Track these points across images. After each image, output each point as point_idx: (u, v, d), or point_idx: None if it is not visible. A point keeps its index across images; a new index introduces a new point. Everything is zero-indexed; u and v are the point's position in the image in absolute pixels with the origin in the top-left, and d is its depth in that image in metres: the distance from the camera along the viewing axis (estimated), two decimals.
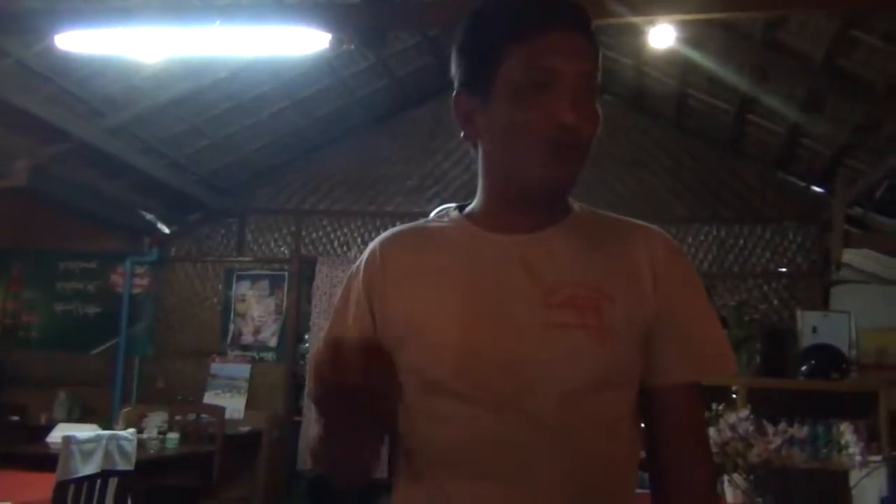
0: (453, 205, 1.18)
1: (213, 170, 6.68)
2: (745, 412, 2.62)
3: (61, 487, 3.57)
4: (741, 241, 6.42)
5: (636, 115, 6.58)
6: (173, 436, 5.23)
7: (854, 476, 2.68)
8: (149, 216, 6.79)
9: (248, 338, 6.76)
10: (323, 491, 5.78)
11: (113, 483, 3.96)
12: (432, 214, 1.32)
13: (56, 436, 4.34)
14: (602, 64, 1.07)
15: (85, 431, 4.11)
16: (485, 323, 1.02)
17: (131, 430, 4.48)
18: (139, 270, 6.91)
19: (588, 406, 1.01)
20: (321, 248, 6.90)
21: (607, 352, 1.01)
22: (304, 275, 6.70)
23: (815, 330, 5.34)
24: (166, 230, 7.00)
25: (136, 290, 6.87)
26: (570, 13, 1.05)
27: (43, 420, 5.95)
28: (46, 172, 5.39)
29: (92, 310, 6.88)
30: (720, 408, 2.69)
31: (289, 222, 7.02)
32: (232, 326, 6.80)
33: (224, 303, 6.86)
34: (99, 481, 3.87)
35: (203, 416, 5.76)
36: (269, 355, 6.65)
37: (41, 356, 6.75)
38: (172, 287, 6.99)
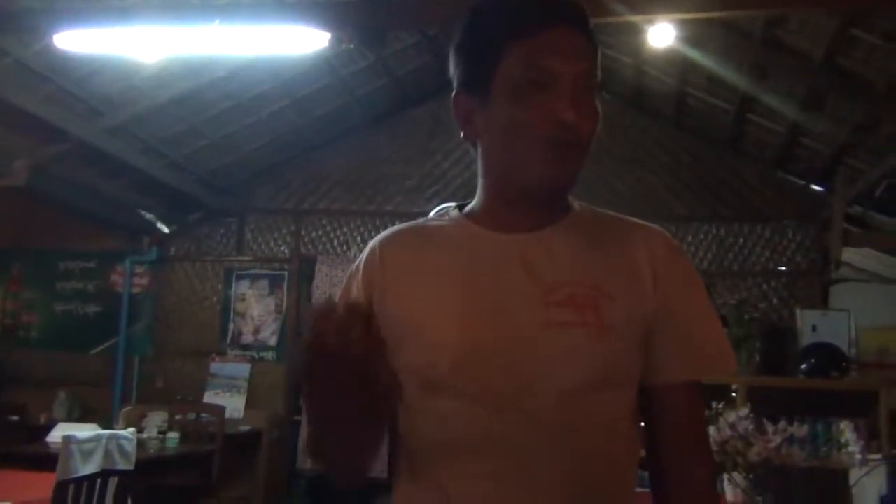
0: (453, 204, 1.18)
1: (213, 169, 6.68)
2: (744, 411, 2.62)
3: (61, 487, 3.57)
4: (741, 240, 6.42)
5: (635, 113, 6.58)
6: (173, 435, 5.23)
7: (854, 474, 2.69)
8: (148, 216, 6.79)
9: (247, 337, 6.76)
10: (323, 490, 5.78)
11: (113, 483, 3.96)
12: (432, 213, 1.32)
13: (56, 435, 4.35)
14: (601, 62, 1.07)
15: (85, 431, 4.11)
16: (484, 322, 1.02)
17: (131, 429, 4.48)
18: (139, 270, 6.91)
19: (588, 405, 1.01)
20: (321, 248, 6.90)
21: (606, 350, 1.01)
22: (303, 274, 6.70)
23: (814, 328, 5.35)
24: (166, 230, 7.00)
25: (135, 290, 6.87)
26: (568, 11, 1.04)
27: (43, 420, 5.96)
28: (46, 172, 5.39)
29: (91, 309, 6.88)
30: (720, 406, 2.69)
31: (288, 222, 7.02)
32: (232, 326, 6.80)
33: (224, 302, 6.86)
34: (99, 481, 3.86)
35: (203, 415, 5.76)
36: (268, 355, 6.65)
37: (41, 356, 6.75)
38: (172, 287, 6.99)
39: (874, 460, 3.07)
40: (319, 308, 0.85)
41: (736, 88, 5.34)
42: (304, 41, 4.19)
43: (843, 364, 4.82)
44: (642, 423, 1.10)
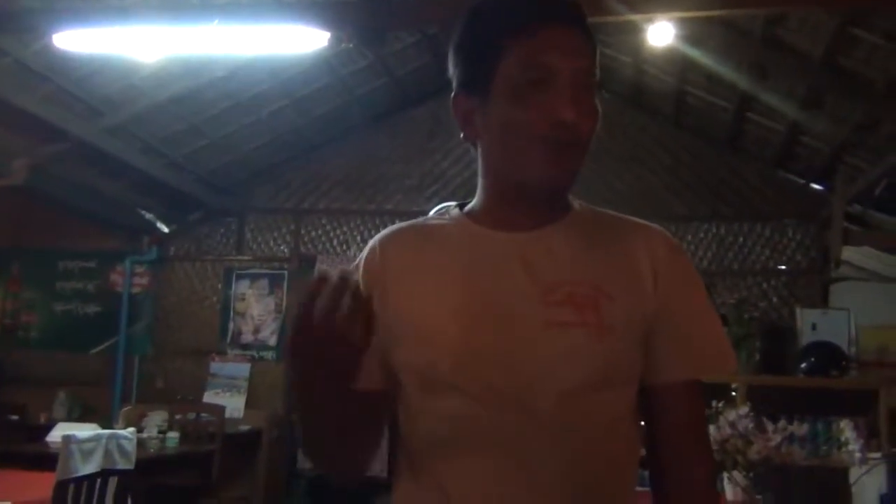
0: (453, 203, 1.18)
1: (212, 169, 6.68)
2: (744, 410, 2.62)
3: (61, 487, 3.57)
4: (740, 239, 6.42)
5: (635, 112, 6.58)
6: (173, 435, 5.23)
7: (854, 473, 2.69)
8: (148, 215, 6.79)
9: (247, 337, 6.76)
10: (323, 490, 5.78)
11: (113, 482, 3.96)
12: (432, 213, 1.32)
13: (56, 435, 4.34)
14: (601, 61, 1.07)
15: (85, 431, 4.11)
16: (484, 321, 1.02)
17: (131, 429, 4.48)
18: (138, 270, 6.91)
19: (588, 404, 1.01)
20: (320, 247, 6.90)
21: (606, 350, 1.01)
22: (303, 273, 6.70)
23: (814, 327, 5.35)
24: (165, 229, 7.00)
25: (135, 290, 6.87)
26: (567, 10, 1.04)
27: (43, 419, 5.95)
28: (45, 172, 5.39)
29: (91, 309, 6.88)
30: (720, 405, 2.69)
31: (288, 221, 7.02)
32: (231, 325, 6.80)
33: (223, 302, 6.86)
34: (99, 480, 3.86)
35: (203, 415, 5.76)
36: (268, 354, 6.65)
37: (41, 356, 6.75)
38: (172, 286, 6.99)
39: (874, 459, 3.07)
40: (317, 274, 0.87)
41: (735, 87, 5.34)
42: (303, 41, 4.19)
43: (843, 363, 4.82)
44: (642, 423, 1.10)
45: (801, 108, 5.09)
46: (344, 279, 0.86)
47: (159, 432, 5.21)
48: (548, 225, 1.08)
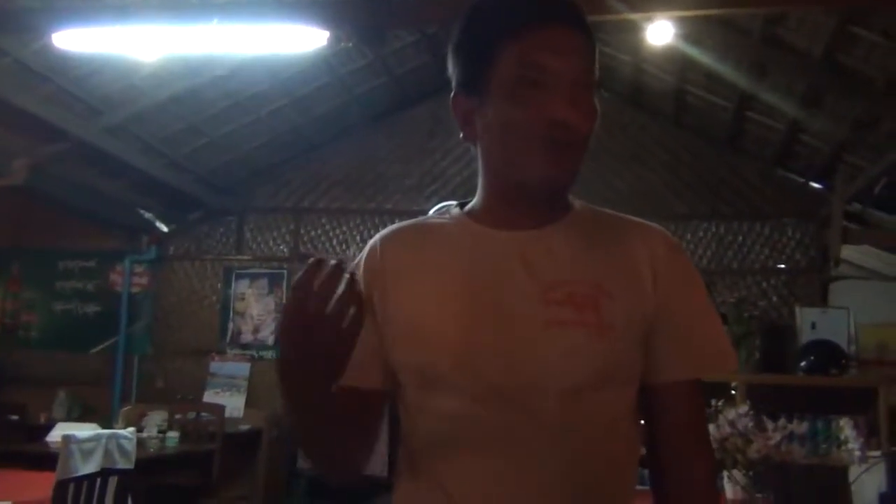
0: (454, 202, 1.18)
1: (212, 168, 6.68)
2: (744, 408, 2.62)
3: (61, 486, 3.57)
4: (740, 238, 6.42)
5: (634, 111, 6.58)
6: (173, 434, 5.23)
7: (853, 471, 2.69)
8: (147, 215, 6.79)
9: (247, 336, 6.76)
10: (323, 490, 5.78)
11: (113, 482, 3.96)
12: (431, 212, 1.32)
13: (56, 435, 4.35)
14: (600, 60, 1.07)
15: (85, 430, 4.11)
16: (485, 320, 1.02)
17: (131, 428, 4.49)
18: (138, 269, 6.91)
19: (588, 404, 1.01)
20: (320, 247, 6.90)
21: (606, 349, 1.01)
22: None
23: (814, 326, 5.34)
24: (165, 229, 7.00)
25: (135, 289, 6.87)
26: (564, 10, 1.04)
27: (42, 419, 5.96)
28: (45, 171, 5.39)
29: (91, 309, 6.88)
30: (720, 404, 2.69)
31: (287, 221, 7.02)
32: (231, 325, 6.81)
33: (223, 301, 6.86)
34: (99, 480, 3.86)
35: (203, 414, 5.76)
36: (268, 354, 6.65)
37: (40, 355, 6.75)
38: (171, 286, 6.99)
39: (874, 457, 3.07)
40: (310, 262, 0.87)
41: (735, 86, 5.34)
42: (302, 40, 4.19)
43: (843, 361, 4.82)
44: (642, 422, 1.10)
45: (801, 106, 5.09)
46: (339, 267, 0.87)
47: (159, 432, 5.22)
48: (548, 224, 1.08)
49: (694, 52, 5.01)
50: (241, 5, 4.37)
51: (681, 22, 4.38)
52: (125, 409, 5.76)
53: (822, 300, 6.00)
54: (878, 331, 5.29)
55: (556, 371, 0.99)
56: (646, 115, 6.60)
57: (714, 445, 2.43)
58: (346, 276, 0.87)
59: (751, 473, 2.54)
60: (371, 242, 1.14)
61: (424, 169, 6.81)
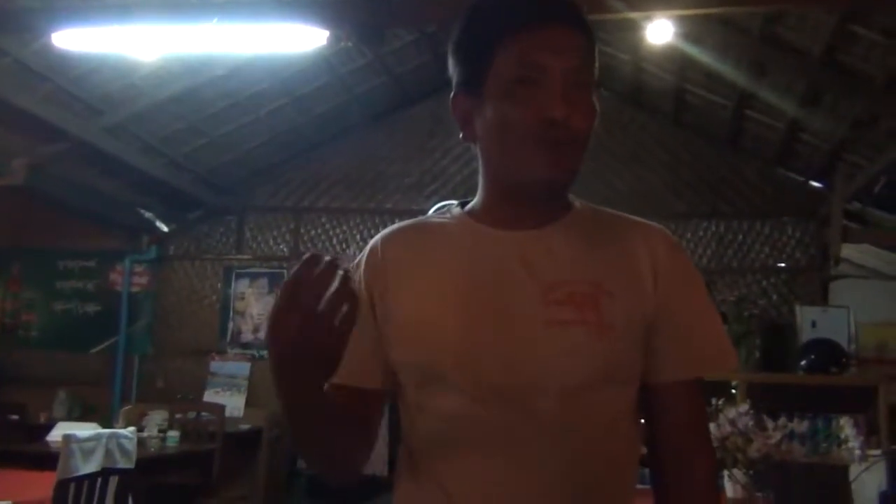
0: (455, 202, 1.18)
1: (212, 168, 6.68)
2: (744, 407, 2.62)
3: (62, 486, 3.57)
4: (740, 237, 6.42)
5: (634, 110, 6.58)
6: (173, 434, 5.22)
7: (854, 470, 2.69)
8: (147, 214, 6.79)
9: (247, 336, 6.76)
10: (323, 489, 5.78)
11: (113, 481, 3.96)
12: (431, 211, 1.32)
13: (56, 434, 4.34)
14: (599, 60, 1.07)
15: (85, 430, 4.11)
16: (485, 320, 1.02)
17: (131, 428, 4.48)
18: (138, 269, 6.91)
19: (588, 403, 1.01)
20: (320, 246, 6.90)
21: (606, 348, 1.01)
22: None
23: (814, 325, 5.34)
24: (165, 228, 7.00)
25: (135, 289, 6.87)
26: (563, 9, 1.04)
27: (43, 419, 5.96)
28: (44, 171, 5.39)
29: (91, 308, 6.88)
30: (720, 403, 2.69)
31: (287, 220, 7.02)
32: (231, 324, 6.81)
33: (223, 301, 6.86)
34: (99, 480, 3.86)
35: (203, 414, 5.76)
36: (267, 353, 6.64)
37: (41, 355, 6.75)
38: (171, 285, 6.99)
39: (874, 456, 3.07)
40: (305, 257, 0.87)
41: (735, 85, 5.34)
42: (302, 39, 4.19)
43: (843, 360, 4.81)
44: (643, 421, 1.10)
45: (801, 105, 5.09)
46: (332, 263, 0.86)
47: (160, 431, 5.21)
48: (548, 224, 1.08)
49: (694, 51, 5.01)
50: (241, 5, 4.36)
51: (680, 21, 4.38)
52: (125, 408, 5.75)
53: (822, 299, 6.00)
54: (878, 329, 5.29)
55: (556, 371, 0.99)
56: (645, 114, 6.60)
57: (714, 444, 2.43)
58: (340, 272, 0.86)
59: (751, 472, 2.54)
60: (372, 242, 1.14)
61: (424, 168, 6.81)
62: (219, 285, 6.91)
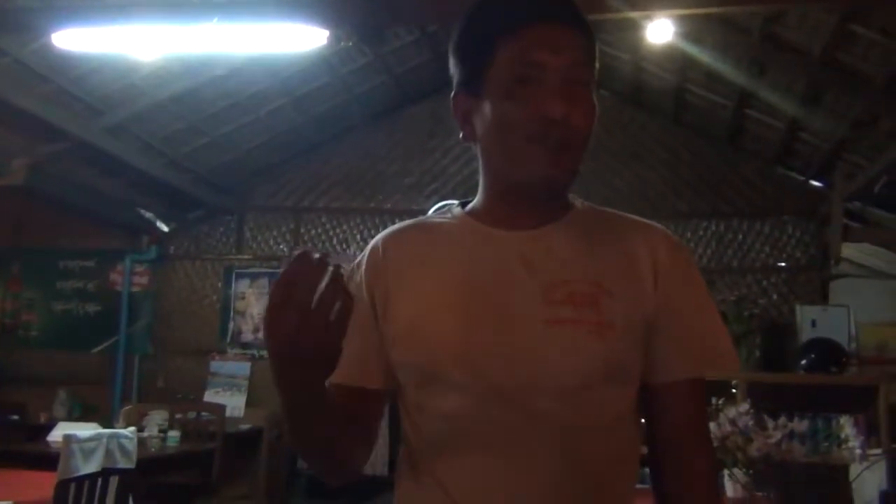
0: (455, 201, 1.18)
1: (212, 167, 6.68)
2: (744, 406, 2.62)
3: (62, 486, 3.57)
4: (740, 237, 6.43)
5: (634, 110, 6.58)
6: (174, 434, 5.22)
7: (854, 469, 2.69)
8: (147, 214, 6.79)
9: (247, 336, 6.76)
10: (323, 489, 5.78)
11: (114, 481, 3.96)
12: (431, 211, 1.32)
13: (57, 434, 4.34)
14: (599, 59, 1.07)
15: (86, 430, 4.11)
16: (485, 320, 1.02)
17: (132, 428, 4.48)
18: (138, 269, 6.91)
19: (588, 403, 1.01)
20: (320, 246, 6.90)
21: (607, 348, 1.00)
22: None
23: (814, 324, 5.35)
24: (165, 228, 7.00)
25: (135, 289, 6.87)
26: (563, 8, 1.04)
27: (43, 419, 5.95)
28: (44, 171, 5.39)
29: (91, 308, 6.88)
30: (720, 402, 2.69)
31: (287, 220, 7.02)
32: (231, 324, 6.81)
33: (223, 301, 6.86)
34: (100, 480, 3.86)
35: (203, 414, 5.76)
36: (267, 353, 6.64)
37: (41, 355, 6.75)
38: (172, 285, 6.99)
39: (874, 455, 3.07)
40: (295, 255, 0.86)
41: (735, 84, 5.34)
42: (302, 39, 4.18)
43: (843, 359, 4.81)
44: (643, 420, 1.10)
45: (801, 104, 5.09)
46: (323, 260, 0.86)
47: (160, 431, 5.21)
48: (548, 223, 1.08)
49: (694, 50, 5.01)
50: (240, 5, 4.36)
51: (680, 20, 4.38)
52: (126, 408, 5.75)
53: (822, 298, 6.01)
54: (878, 329, 5.29)
55: (556, 370, 0.99)
56: (646, 113, 6.60)
57: (715, 444, 2.43)
58: (331, 268, 0.86)
59: (751, 472, 2.54)
60: (373, 242, 1.14)
61: (424, 168, 6.81)
62: (219, 285, 6.91)
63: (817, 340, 5.04)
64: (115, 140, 5.64)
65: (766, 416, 2.63)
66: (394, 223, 1.18)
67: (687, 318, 1.08)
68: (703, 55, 5.06)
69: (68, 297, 6.91)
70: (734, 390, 4.31)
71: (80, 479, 3.70)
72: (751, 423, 2.52)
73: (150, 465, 4.64)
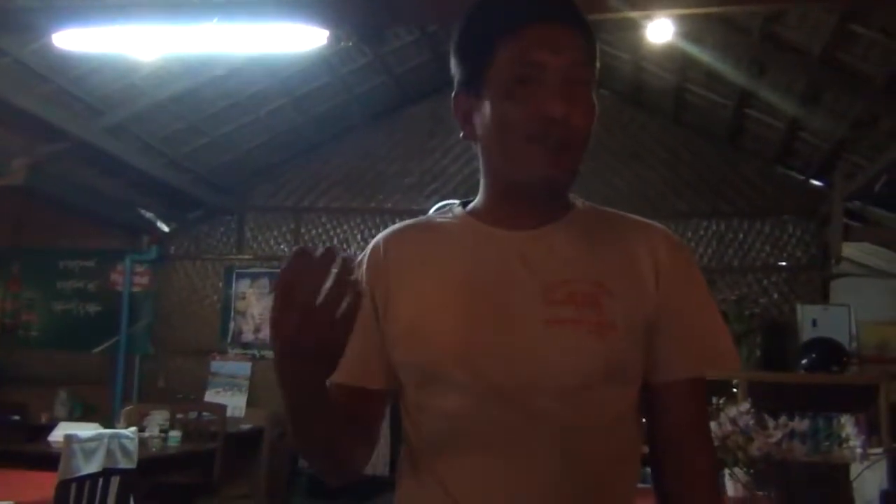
0: (456, 201, 1.18)
1: (212, 167, 6.68)
2: (745, 406, 2.62)
3: (63, 486, 3.57)
4: (741, 236, 6.43)
5: (634, 109, 6.58)
6: (175, 434, 5.22)
7: (855, 469, 2.69)
8: (148, 214, 6.79)
9: (248, 336, 6.77)
10: (324, 489, 5.79)
11: (115, 482, 3.96)
12: (431, 210, 1.32)
13: (58, 435, 4.34)
14: (599, 59, 1.07)
15: (86, 430, 4.11)
16: (486, 319, 1.02)
17: (133, 428, 4.48)
18: (139, 269, 6.91)
19: (590, 402, 1.01)
20: (320, 245, 6.90)
21: (607, 348, 1.00)
22: None
23: (814, 323, 5.35)
24: (165, 228, 7.00)
25: (135, 289, 6.87)
26: (560, 8, 1.04)
27: (44, 419, 5.95)
28: (44, 171, 5.39)
29: (92, 308, 6.88)
30: (721, 401, 2.69)
31: (288, 220, 7.02)
32: (232, 324, 6.81)
33: (224, 301, 6.87)
34: (101, 480, 3.86)
35: (204, 414, 5.76)
36: (269, 353, 6.62)
37: (41, 355, 6.75)
38: (172, 285, 6.99)
39: (875, 454, 3.07)
40: (298, 249, 0.86)
41: (735, 84, 5.34)
42: (302, 39, 4.18)
43: (844, 359, 4.82)
44: (644, 420, 1.10)
45: (801, 104, 5.09)
46: (328, 254, 0.85)
47: (161, 431, 5.21)
48: (549, 223, 1.08)
49: (694, 50, 5.01)
50: (240, 5, 4.36)
51: (680, 20, 4.38)
52: (127, 408, 5.75)
53: (822, 297, 6.01)
54: (878, 328, 5.29)
55: (556, 370, 0.99)
56: (646, 113, 6.60)
57: (715, 443, 2.42)
58: (338, 261, 0.85)
59: (752, 471, 2.54)
60: (374, 241, 1.14)
61: (424, 168, 6.81)
62: (219, 285, 6.91)
63: (818, 340, 5.05)
64: (115, 140, 5.64)
65: (766, 416, 2.63)
66: (394, 223, 1.18)
67: (688, 318, 1.08)
68: (703, 55, 5.06)
69: (68, 297, 6.91)
70: (735, 390, 4.31)
71: (81, 480, 3.71)
72: (751, 422, 2.52)
73: (151, 465, 4.64)
